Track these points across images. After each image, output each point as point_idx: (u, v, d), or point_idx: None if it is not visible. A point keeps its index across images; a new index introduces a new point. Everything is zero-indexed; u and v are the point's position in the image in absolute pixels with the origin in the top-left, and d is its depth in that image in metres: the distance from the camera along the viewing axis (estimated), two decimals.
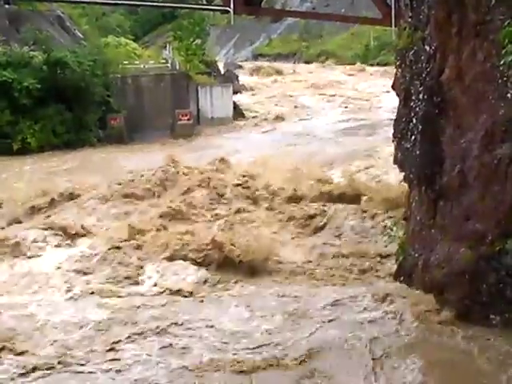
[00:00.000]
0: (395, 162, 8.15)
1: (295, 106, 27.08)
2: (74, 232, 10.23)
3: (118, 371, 6.18)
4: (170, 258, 9.07)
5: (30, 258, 9.44)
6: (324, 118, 24.19)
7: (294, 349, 6.45)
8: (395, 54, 8.64)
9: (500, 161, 6.44)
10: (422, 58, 7.47)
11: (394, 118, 8.19)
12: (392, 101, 9.76)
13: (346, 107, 25.89)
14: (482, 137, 6.66)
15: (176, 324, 7.12)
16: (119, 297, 8.05)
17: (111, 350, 6.56)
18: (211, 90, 24.41)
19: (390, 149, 8.85)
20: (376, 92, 28.13)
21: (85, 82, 20.74)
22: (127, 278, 8.58)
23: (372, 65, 41.42)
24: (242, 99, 28.08)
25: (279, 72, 38.86)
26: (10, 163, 18.01)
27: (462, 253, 6.71)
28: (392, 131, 8.23)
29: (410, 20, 7.97)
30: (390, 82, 8.72)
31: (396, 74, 8.35)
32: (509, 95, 6.39)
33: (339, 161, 15.33)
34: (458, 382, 6.01)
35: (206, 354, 6.40)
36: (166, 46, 32.09)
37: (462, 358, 6.21)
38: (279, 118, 24.64)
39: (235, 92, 27.20)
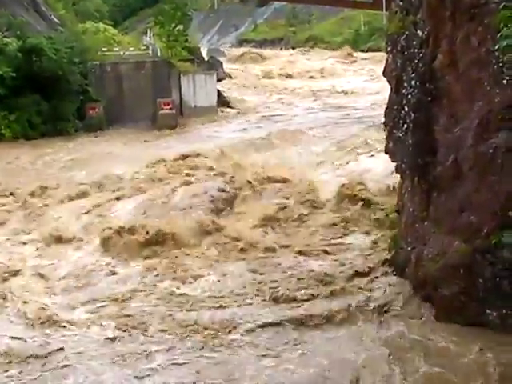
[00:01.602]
0: (386, 151, 7.90)
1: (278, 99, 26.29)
2: None
3: None
4: None
5: None
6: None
7: None
8: (386, 39, 8.36)
9: (496, 150, 6.20)
10: (414, 43, 7.21)
11: (386, 106, 7.92)
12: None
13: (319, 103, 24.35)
14: (476, 125, 6.42)
15: None
16: None
17: None
18: (194, 78, 23.79)
19: None
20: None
21: (62, 70, 19.94)
22: None
23: (362, 50, 40.55)
24: (226, 87, 27.46)
25: (265, 58, 38.01)
26: None
27: (457, 246, 6.49)
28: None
29: (401, 3, 7.72)
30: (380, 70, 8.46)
31: (387, 60, 8.08)
32: (505, 81, 6.16)
33: None
34: None
35: None
36: (146, 32, 31.26)
37: None
38: (255, 110, 23.82)
39: (219, 80, 26.64)
